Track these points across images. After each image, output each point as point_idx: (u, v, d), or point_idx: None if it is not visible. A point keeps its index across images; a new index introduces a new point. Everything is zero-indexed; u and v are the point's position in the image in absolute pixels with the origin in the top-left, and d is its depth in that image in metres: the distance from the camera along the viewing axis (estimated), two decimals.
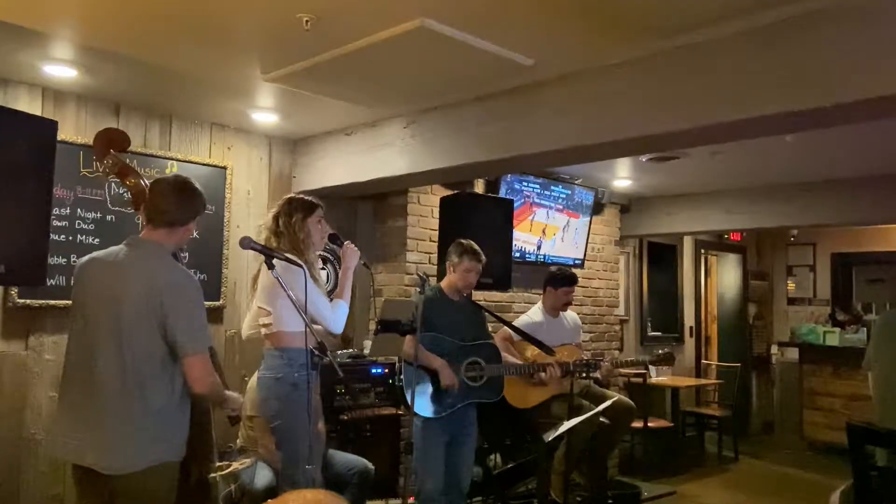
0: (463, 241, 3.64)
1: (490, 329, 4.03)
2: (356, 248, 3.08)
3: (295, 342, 2.91)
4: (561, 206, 5.65)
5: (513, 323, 4.12)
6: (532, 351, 4.14)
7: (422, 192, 4.85)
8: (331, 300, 2.99)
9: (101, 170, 2.64)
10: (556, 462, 4.26)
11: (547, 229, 5.57)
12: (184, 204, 2.41)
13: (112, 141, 2.58)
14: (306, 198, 3.09)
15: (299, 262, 2.84)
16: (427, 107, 3.83)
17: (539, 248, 5.54)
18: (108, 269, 2.33)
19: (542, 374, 4.07)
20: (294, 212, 3.00)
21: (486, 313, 3.91)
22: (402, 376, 3.44)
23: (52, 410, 3.20)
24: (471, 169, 3.92)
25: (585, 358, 4.30)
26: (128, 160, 3.90)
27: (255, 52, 3.13)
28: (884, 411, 3.63)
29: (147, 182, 2.60)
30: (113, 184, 3.84)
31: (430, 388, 3.40)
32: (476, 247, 3.62)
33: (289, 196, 3.13)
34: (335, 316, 2.94)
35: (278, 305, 2.94)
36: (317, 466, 2.82)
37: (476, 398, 3.58)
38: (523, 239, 5.33)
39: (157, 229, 2.38)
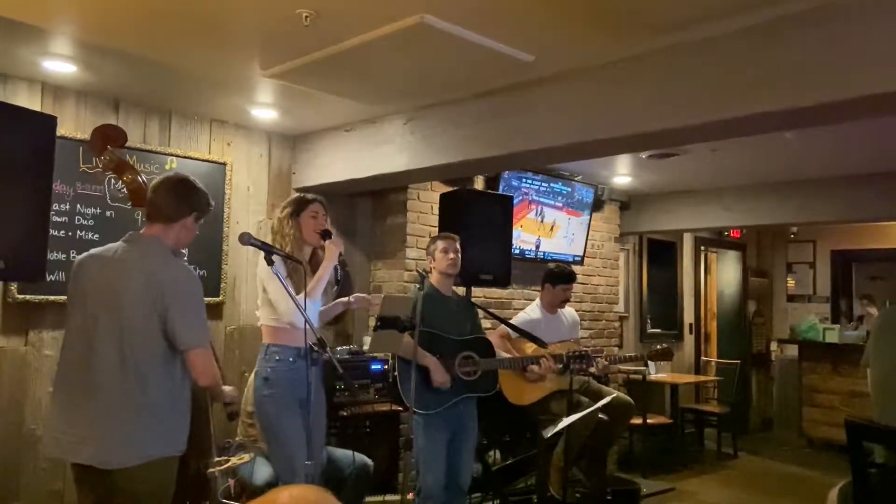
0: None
1: (489, 327, 4.03)
2: (339, 245, 3.04)
3: (275, 337, 2.99)
4: (561, 203, 5.65)
5: (510, 320, 4.12)
6: (529, 348, 4.14)
7: (421, 189, 4.85)
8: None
9: (98, 166, 2.64)
10: (555, 458, 4.27)
11: (546, 226, 5.57)
12: (178, 200, 2.42)
13: (108, 137, 2.58)
14: (302, 195, 3.16)
15: (297, 258, 2.89)
16: (427, 103, 3.83)
17: (538, 245, 5.54)
18: (108, 266, 2.34)
19: (536, 367, 4.06)
20: (285, 208, 3.09)
21: (483, 310, 3.91)
22: (396, 373, 3.44)
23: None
24: (470, 166, 3.93)
25: (580, 349, 4.27)
26: (127, 156, 3.92)
27: (254, 48, 3.13)
28: (883, 409, 3.63)
29: (144, 178, 2.61)
30: (112, 179, 3.84)
31: (425, 384, 3.40)
32: (446, 232, 3.68)
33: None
34: (289, 307, 2.86)
35: (261, 300, 3.02)
36: (314, 463, 2.82)
37: (471, 392, 3.58)
38: (522, 236, 5.33)
39: (154, 225, 2.41)
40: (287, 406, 2.92)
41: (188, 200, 2.45)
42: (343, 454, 3.60)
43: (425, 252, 3.78)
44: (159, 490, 2.30)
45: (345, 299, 3.32)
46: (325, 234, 3.06)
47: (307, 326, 2.66)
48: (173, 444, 2.33)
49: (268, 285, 2.95)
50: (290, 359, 2.96)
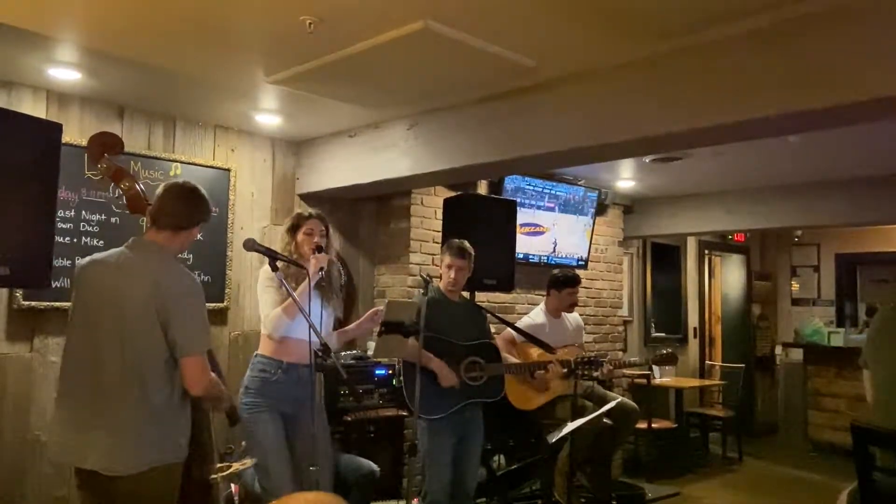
0: (454, 240, 3.63)
1: (494, 331, 4.03)
2: (321, 260, 3.04)
3: (264, 347, 3.09)
4: (564, 208, 5.64)
5: (514, 325, 4.11)
6: (535, 352, 4.14)
7: (425, 194, 4.86)
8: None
9: (97, 173, 2.66)
10: (559, 463, 4.26)
11: (549, 230, 5.56)
12: (190, 209, 2.44)
13: (105, 145, 2.59)
14: (301, 212, 3.25)
15: (303, 265, 2.92)
16: (430, 108, 3.83)
17: (542, 249, 5.53)
18: (110, 271, 2.34)
19: (543, 372, 4.06)
20: (287, 222, 3.20)
21: (490, 314, 3.90)
22: (401, 377, 3.44)
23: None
24: (473, 170, 3.92)
25: (587, 355, 4.28)
26: (131, 162, 3.95)
27: (258, 55, 3.14)
28: (887, 412, 3.60)
29: (143, 186, 2.62)
30: (113, 186, 3.85)
31: (430, 389, 3.40)
32: (462, 244, 3.57)
33: None
34: (267, 317, 3.03)
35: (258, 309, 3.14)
36: (321, 468, 2.84)
37: (477, 397, 3.57)
38: (526, 240, 5.33)
39: (161, 231, 2.41)
40: (263, 416, 2.99)
41: (198, 210, 2.46)
42: (349, 460, 3.61)
43: (439, 255, 3.75)
44: (162, 497, 2.29)
45: (367, 315, 3.36)
46: (317, 250, 3.09)
47: (311, 331, 2.67)
48: (176, 451, 2.33)
49: (258, 293, 3.09)
50: (272, 371, 3.04)
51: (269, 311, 3.02)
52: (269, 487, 2.94)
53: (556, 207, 5.58)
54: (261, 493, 3.06)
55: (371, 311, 3.36)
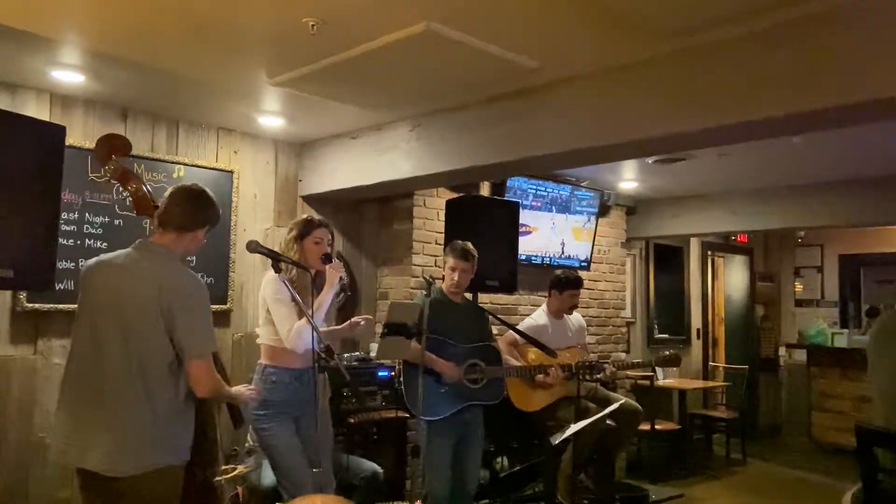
0: (458, 242, 3.63)
1: (496, 333, 4.03)
2: (339, 269, 3.07)
3: (273, 357, 3.06)
4: (567, 209, 5.64)
5: (516, 326, 4.12)
6: (535, 354, 4.14)
7: (427, 195, 4.86)
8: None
9: (103, 175, 2.66)
10: (562, 465, 4.26)
11: (551, 231, 5.56)
12: (195, 210, 2.44)
13: (113, 146, 2.59)
14: (308, 217, 3.22)
15: (307, 267, 2.92)
16: (432, 109, 3.84)
17: (544, 250, 5.52)
18: (115, 273, 2.35)
19: (543, 376, 4.06)
20: (292, 230, 3.15)
21: (492, 316, 3.90)
22: (400, 379, 3.44)
23: None
24: (476, 172, 3.93)
25: (589, 360, 4.28)
26: (135, 165, 3.96)
27: (261, 57, 3.15)
28: (890, 414, 3.58)
29: (149, 188, 2.63)
30: (118, 188, 3.86)
31: (430, 391, 3.39)
32: (465, 246, 3.57)
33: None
34: (290, 334, 2.95)
35: (263, 319, 3.09)
36: (323, 470, 2.84)
37: (476, 400, 3.57)
38: (528, 241, 5.32)
39: (166, 233, 2.41)
40: (280, 423, 2.99)
41: (204, 212, 2.47)
42: (352, 462, 3.61)
43: (441, 257, 3.75)
44: (162, 499, 2.30)
45: (346, 325, 3.34)
46: (326, 259, 3.08)
47: (314, 335, 2.67)
48: (178, 454, 2.33)
49: (271, 306, 3.01)
50: (286, 380, 3.03)
51: (289, 325, 2.94)
52: (291, 487, 2.95)
53: (543, 206, 5.53)
54: (283, 494, 3.05)
55: (350, 321, 3.34)
